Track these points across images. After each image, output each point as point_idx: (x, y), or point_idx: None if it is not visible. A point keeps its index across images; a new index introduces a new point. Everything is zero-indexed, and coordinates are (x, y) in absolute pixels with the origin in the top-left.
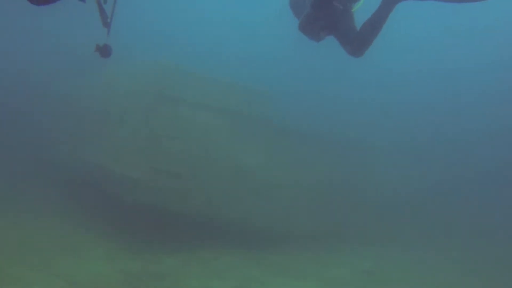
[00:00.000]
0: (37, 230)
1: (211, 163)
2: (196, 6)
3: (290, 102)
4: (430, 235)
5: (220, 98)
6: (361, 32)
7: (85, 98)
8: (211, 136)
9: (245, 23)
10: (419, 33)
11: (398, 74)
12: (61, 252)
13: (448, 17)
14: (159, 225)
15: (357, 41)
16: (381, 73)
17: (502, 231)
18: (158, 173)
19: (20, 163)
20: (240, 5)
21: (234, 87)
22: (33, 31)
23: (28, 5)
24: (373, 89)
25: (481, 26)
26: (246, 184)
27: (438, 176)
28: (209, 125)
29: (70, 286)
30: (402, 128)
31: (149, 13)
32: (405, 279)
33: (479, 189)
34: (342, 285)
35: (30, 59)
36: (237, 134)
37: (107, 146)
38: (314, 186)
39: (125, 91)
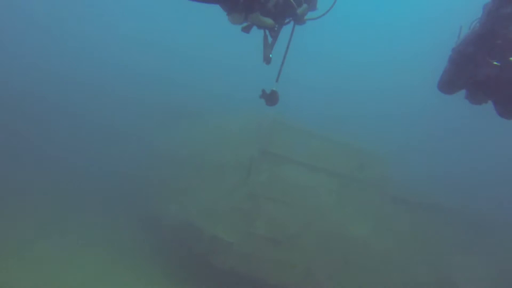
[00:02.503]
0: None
1: (314, 231)
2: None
3: (412, 166)
4: None
5: (329, 159)
6: None
7: (184, 145)
8: (317, 201)
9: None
10: None
11: None
12: None
13: None
14: None
15: None
16: None
17: None
18: (255, 238)
19: (110, 214)
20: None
21: (346, 147)
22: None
23: None
24: None
25: None
26: (351, 257)
27: None
28: (315, 188)
29: None
30: None
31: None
32: None
33: None
34: None
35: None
36: (346, 200)
37: (200, 201)
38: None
39: (226, 144)
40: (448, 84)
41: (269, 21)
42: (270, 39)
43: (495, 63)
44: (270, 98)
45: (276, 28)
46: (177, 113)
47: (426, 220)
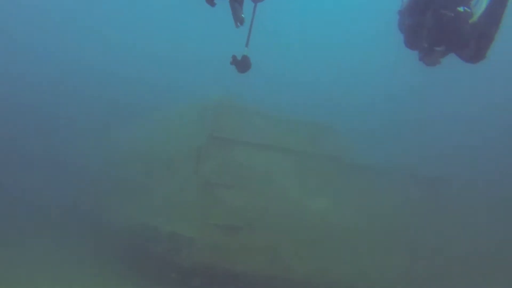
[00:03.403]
0: None
1: (274, 212)
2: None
3: (358, 135)
4: None
5: (280, 137)
6: (478, 28)
7: (126, 144)
8: (272, 181)
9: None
10: None
11: None
12: None
13: None
14: None
15: (476, 41)
16: None
17: None
18: (215, 228)
19: (58, 223)
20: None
21: (295, 123)
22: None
23: None
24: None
25: None
26: (315, 235)
27: None
28: (270, 168)
29: None
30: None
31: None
32: None
33: None
34: None
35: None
36: (302, 177)
37: (153, 201)
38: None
39: (171, 135)
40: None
41: None
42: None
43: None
44: (242, 64)
45: None
46: (117, 113)
47: (385, 185)
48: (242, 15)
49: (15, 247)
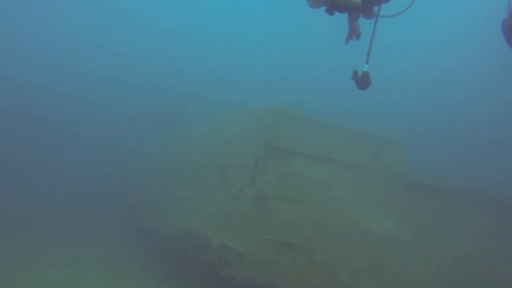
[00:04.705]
0: None
1: (332, 230)
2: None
3: (428, 151)
4: None
5: (342, 149)
6: None
7: (179, 152)
8: (332, 196)
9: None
10: None
11: None
12: None
13: None
14: None
15: None
16: None
17: None
18: (268, 244)
19: (109, 231)
20: None
21: (359, 135)
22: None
23: None
24: None
25: None
26: (375, 257)
27: None
28: (329, 183)
29: None
30: None
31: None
32: None
33: None
34: None
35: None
36: (363, 193)
37: (205, 210)
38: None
39: (226, 144)
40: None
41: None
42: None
43: None
44: (362, 80)
45: (359, 12)
46: (168, 120)
47: (449, 207)
48: (360, 30)
49: (68, 253)
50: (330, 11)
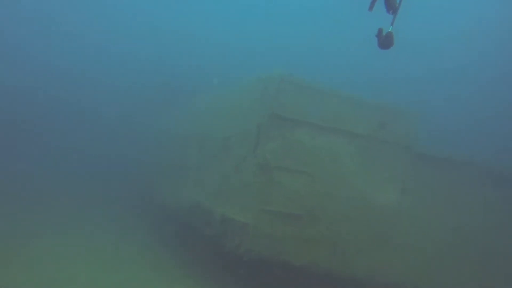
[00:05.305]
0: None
1: (337, 201)
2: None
3: (432, 122)
4: None
5: (347, 119)
6: None
7: (180, 123)
8: (336, 167)
9: None
10: None
11: None
12: None
13: None
14: (272, 281)
15: None
16: None
17: None
18: (272, 215)
19: (113, 204)
20: None
21: (364, 105)
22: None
23: None
24: None
25: None
26: (380, 229)
27: None
28: (334, 153)
29: None
30: None
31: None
32: None
33: None
34: None
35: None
36: (369, 164)
37: (208, 182)
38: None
39: (228, 113)
40: None
41: None
42: None
43: None
44: (385, 39)
45: None
46: (171, 94)
47: (456, 178)
48: None
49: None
50: None
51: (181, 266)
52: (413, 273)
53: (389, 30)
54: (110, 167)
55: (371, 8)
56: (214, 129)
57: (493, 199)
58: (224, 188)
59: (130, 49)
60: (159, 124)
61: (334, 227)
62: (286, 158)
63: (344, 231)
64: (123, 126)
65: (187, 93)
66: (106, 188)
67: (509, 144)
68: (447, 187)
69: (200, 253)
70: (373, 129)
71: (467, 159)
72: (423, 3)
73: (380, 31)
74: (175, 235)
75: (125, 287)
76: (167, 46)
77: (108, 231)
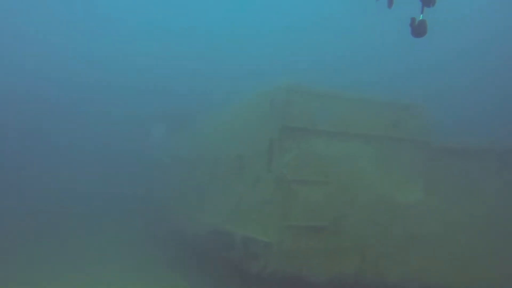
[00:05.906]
0: None
1: (360, 208)
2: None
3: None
4: None
5: (359, 121)
6: None
7: (191, 148)
8: (355, 172)
9: None
10: None
11: None
12: None
13: None
14: None
15: None
16: None
17: None
18: (295, 230)
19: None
20: None
21: (375, 104)
22: None
23: None
24: None
25: None
26: (408, 232)
27: None
28: (351, 158)
29: None
30: None
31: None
32: None
33: None
34: None
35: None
36: (387, 165)
37: (224, 204)
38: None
39: (237, 131)
40: None
41: None
42: None
43: None
44: (418, 27)
45: None
46: (174, 119)
47: (480, 167)
48: None
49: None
50: None
51: None
52: (448, 272)
53: (422, 18)
54: (122, 199)
55: (390, 5)
56: (225, 149)
57: None
58: (242, 208)
59: (132, 80)
60: (168, 150)
61: (360, 234)
62: (303, 170)
63: (371, 236)
64: (131, 156)
65: (193, 116)
66: (120, 219)
67: None
68: (470, 178)
69: (223, 278)
70: (388, 128)
71: (487, 146)
72: None
73: (413, 20)
74: (196, 262)
75: None
76: (166, 74)
77: (126, 266)
